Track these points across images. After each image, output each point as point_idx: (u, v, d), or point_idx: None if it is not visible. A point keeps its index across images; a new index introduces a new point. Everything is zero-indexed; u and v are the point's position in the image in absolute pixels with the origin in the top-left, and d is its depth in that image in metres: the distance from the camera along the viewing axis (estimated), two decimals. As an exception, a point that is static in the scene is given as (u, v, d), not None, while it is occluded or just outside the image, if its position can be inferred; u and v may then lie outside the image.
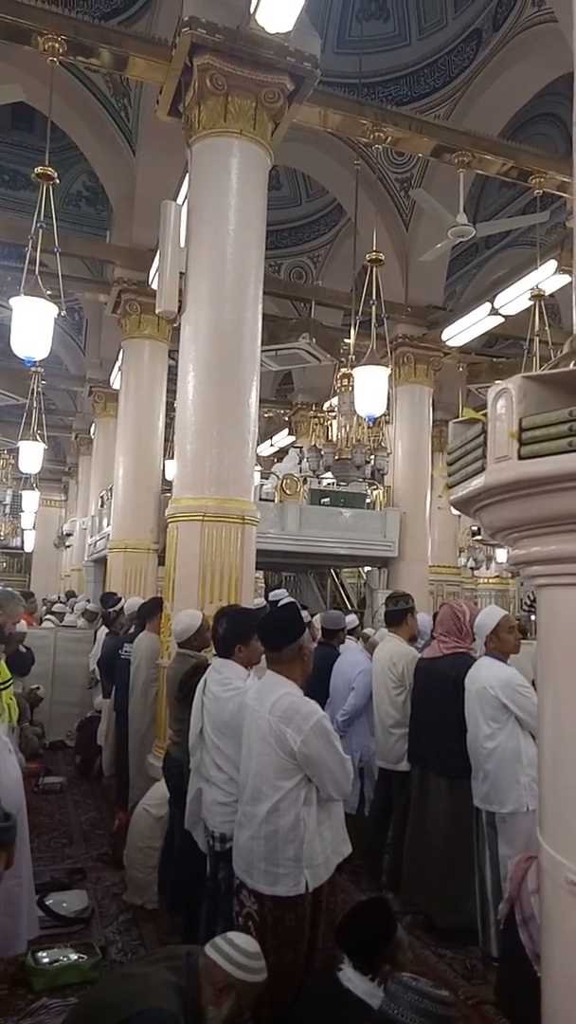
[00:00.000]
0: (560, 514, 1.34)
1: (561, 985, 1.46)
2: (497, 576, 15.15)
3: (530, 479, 1.32)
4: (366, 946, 2.17)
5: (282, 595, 8.16)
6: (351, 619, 6.05)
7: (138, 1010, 1.91)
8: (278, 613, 2.88)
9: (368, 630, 6.18)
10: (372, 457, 7.40)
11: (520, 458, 1.33)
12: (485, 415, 1.44)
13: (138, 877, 4.03)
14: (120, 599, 6.94)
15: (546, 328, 7.17)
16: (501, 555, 12.96)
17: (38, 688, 7.15)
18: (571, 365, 1.37)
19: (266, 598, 8.29)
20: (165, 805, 3.97)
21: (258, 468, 7.66)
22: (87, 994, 2.64)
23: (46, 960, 3.27)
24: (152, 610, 5.28)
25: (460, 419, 1.60)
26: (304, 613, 3.14)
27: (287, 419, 13.54)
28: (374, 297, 6.56)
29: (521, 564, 1.56)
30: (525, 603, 13.36)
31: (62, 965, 3.25)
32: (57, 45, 4.98)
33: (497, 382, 1.42)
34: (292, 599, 7.05)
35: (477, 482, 1.46)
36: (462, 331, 8.48)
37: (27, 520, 16.35)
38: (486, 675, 3.50)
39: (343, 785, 2.51)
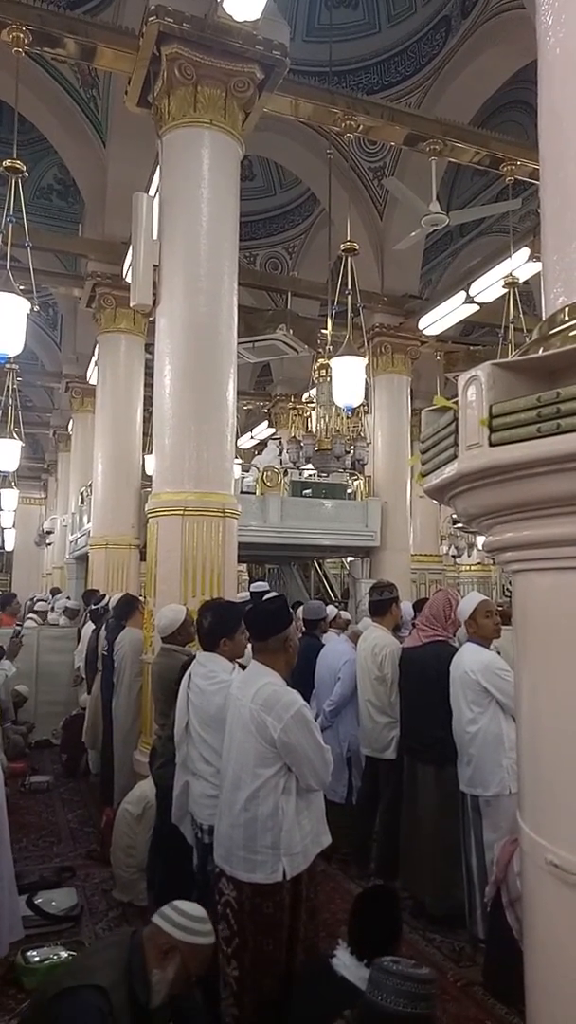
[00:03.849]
0: (532, 499, 1.35)
1: (543, 963, 1.48)
2: (479, 563, 15.23)
3: (501, 465, 1.33)
4: (376, 940, 2.17)
5: (263, 587, 8.16)
6: (330, 610, 6.07)
7: (63, 989, 1.90)
8: (266, 604, 2.88)
9: (344, 614, 6.23)
10: (352, 447, 7.40)
11: (491, 445, 1.33)
12: (456, 403, 1.45)
13: (123, 876, 4.03)
14: (104, 595, 6.90)
15: (520, 315, 7.21)
16: (482, 542, 13.01)
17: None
18: (540, 351, 1.37)
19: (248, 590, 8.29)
20: (143, 804, 3.97)
21: (239, 461, 7.64)
22: (44, 982, 2.52)
23: (36, 959, 3.27)
24: (129, 608, 5.28)
25: (432, 407, 1.60)
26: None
27: (267, 411, 13.49)
28: (350, 287, 6.56)
29: (496, 550, 1.57)
30: (507, 589, 13.46)
31: (52, 963, 3.24)
32: (22, 35, 4.91)
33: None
34: (272, 591, 7.06)
35: (450, 470, 1.47)
36: (438, 319, 8.49)
37: (6, 519, 16.19)
38: (468, 660, 3.54)
39: (322, 775, 2.52)
